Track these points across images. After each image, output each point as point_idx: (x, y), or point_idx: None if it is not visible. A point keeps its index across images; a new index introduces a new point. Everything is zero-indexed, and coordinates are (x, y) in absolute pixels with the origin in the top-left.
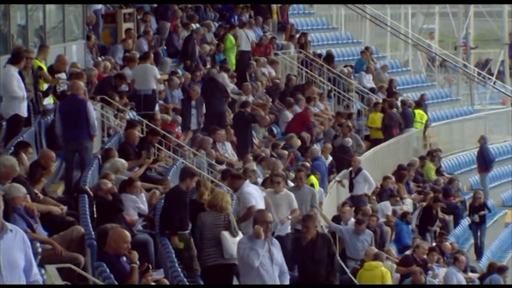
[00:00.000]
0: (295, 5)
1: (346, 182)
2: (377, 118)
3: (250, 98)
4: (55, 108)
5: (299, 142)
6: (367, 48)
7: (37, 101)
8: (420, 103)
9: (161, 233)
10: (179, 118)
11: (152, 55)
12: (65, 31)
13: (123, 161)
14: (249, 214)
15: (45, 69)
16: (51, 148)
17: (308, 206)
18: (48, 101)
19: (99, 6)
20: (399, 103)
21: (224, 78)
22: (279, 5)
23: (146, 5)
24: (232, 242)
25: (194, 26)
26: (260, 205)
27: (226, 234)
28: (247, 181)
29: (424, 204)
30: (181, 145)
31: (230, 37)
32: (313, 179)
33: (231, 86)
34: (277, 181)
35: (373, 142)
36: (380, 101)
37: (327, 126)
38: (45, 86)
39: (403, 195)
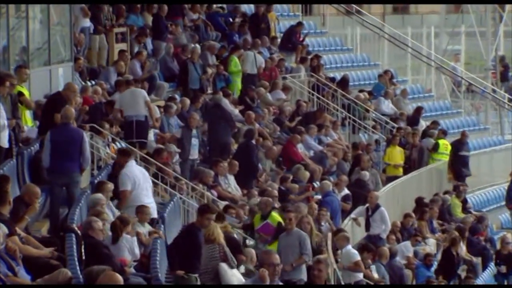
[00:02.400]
0: (305, 24)
1: (362, 220)
2: (395, 152)
3: (256, 127)
4: (39, 138)
5: (307, 175)
6: (385, 72)
7: (17, 130)
8: (444, 132)
9: (171, 272)
10: (173, 147)
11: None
12: (50, 53)
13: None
14: (124, 199)
15: (26, 94)
16: (35, 182)
17: (296, 254)
18: (30, 129)
19: (88, 24)
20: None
21: (227, 104)
22: (287, 24)
23: (141, 24)
24: (231, 274)
25: (194, 45)
26: (141, 189)
27: (224, 266)
28: (133, 161)
29: (445, 245)
30: (179, 178)
31: (235, 60)
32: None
33: (235, 111)
34: (288, 218)
35: (390, 179)
36: (401, 131)
37: (341, 158)
38: (26, 114)
39: (425, 234)
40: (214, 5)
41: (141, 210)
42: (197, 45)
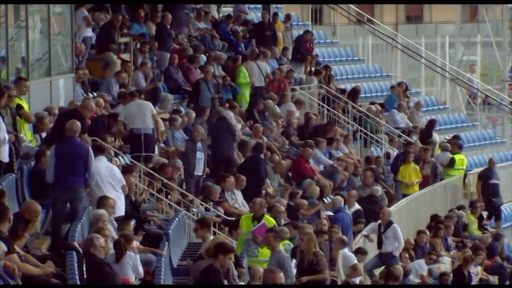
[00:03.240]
0: (315, 34)
1: (374, 236)
2: (409, 170)
3: (264, 140)
4: (38, 152)
5: (317, 190)
6: (398, 83)
7: (16, 144)
8: (460, 146)
9: None
10: (178, 162)
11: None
12: (51, 64)
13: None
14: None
15: (26, 107)
16: (35, 198)
17: None
18: (29, 143)
19: (90, 34)
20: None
21: (231, 118)
22: (296, 33)
23: (145, 32)
24: None
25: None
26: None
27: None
28: (103, 156)
29: (457, 263)
30: (184, 194)
31: (244, 71)
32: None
33: (238, 126)
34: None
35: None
36: (416, 148)
37: (352, 172)
38: (25, 127)
39: (440, 252)
40: (220, 14)
41: (103, 202)
42: (211, 65)
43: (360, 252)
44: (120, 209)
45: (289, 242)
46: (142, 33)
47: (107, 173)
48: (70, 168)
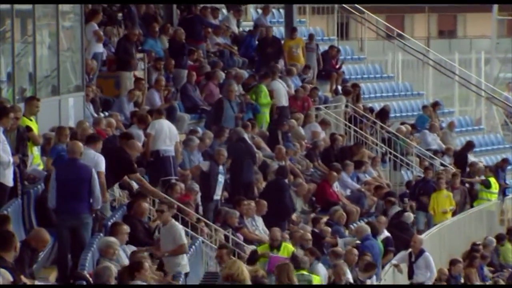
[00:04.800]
0: (341, 49)
1: (404, 266)
2: (441, 198)
3: (287, 163)
4: (47, 176)
5: (345, 217)
6: (431, 103)
7: (21, 167)
8: (497, 169)
9: None
10: (195, 186)
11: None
12: (60, 81)
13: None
14: None
15: (34, 128)
16: (42, 225)
17: None
18: (37, 167)
19: (100, 49)
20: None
21: (253, 139)
22: (322, 49)
23: (159, 49)
24: None
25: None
26: None
27: None
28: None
29: None
30: (201, 220)
31: (265, 90)
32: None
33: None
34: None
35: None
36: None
37: (381, 197)
38: (34, 150)
39: (475, 282)
40: (240, 29)
41: (115, 229)
42: (234, 82)
43: None
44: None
45: (305, 273)
46: (158, 57)
47: None
48: (72, 193)
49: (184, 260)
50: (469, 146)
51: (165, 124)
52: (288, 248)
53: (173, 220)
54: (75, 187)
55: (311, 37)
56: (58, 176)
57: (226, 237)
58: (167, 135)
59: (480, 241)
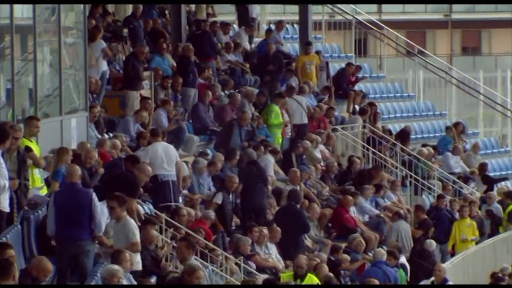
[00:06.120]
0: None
1: None
2: (463, 226)
3: (301, 187)
4: (48, 201)
5: (363, 244)
6: (454, 123)
7: (19, 192)
8: None
9: None
10: (211, 214)
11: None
12: (62, 101)
13: None
14: None
15: (36, 150)
16: (44, 253)
17: None
18: (37, 191)
19: (105, 67)
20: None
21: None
22: (338, 66)
23: (166, 67)
24: None
25: (226, 93)
26: None
27: None
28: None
29: None
30: (212, 247)
31: (276, 109)
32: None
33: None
34: None
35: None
36: (473, 198)
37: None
38: (35, 173)
39: None
40: (252, 45)
41: (118, 256)
42: (247, 105)
43: None
44: None
45: None
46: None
47: None
48: (72, 219)
49: (137, 258)
50: (483, 167)
51: (159, 148)
52: (312, 280)
53: (128, 217)
54: (74, 213)
55: (318, 53)
56: (56, 201)
57: (238, 265)
58: (163, 159)
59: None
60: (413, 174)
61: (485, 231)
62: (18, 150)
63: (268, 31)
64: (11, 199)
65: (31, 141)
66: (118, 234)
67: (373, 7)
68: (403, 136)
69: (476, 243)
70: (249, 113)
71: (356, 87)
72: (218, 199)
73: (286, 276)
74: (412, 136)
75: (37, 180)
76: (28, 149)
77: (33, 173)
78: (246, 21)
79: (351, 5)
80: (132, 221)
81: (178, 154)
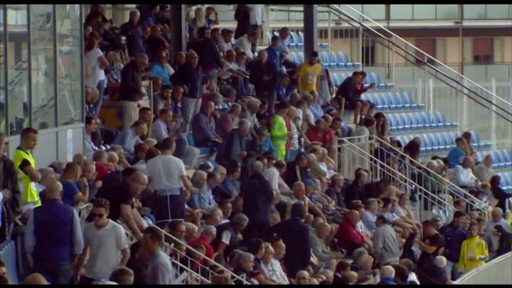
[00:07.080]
0: (366, 76)
1: None
2: (472, 245)
3: (306, 201)
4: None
5: (371, 260)
6: (465, 134)
7: (7, 206)
8: None
9: None
10: (213, 228)
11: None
12: (57, 111)
13: None
14: None
15: (32, 163)
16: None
17: None
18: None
19: (103, 76)
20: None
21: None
22: (345, 75)
23: (166, 76)
24: None
25: (229, 104)
26: None
27: None
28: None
29: None
30: (213, 264)
31: (279, 120)
32: None
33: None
34: None
35: None
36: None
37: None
38: (31, 186)
39: None
40: (255, 54)
41: None
42: (248, 117)
43: None
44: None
45: None
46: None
47: None
48: (52, 236)
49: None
50: (495, 180)
51: (159, 162)
52: None
53: (114, 222)
54: (54, 230)
55: (318, 62)
56: (36, 218)
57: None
58: (161, 174)
59: None
60: (423, 188)
61: (493, 249)
62: (4, 161)
63: (274, 39)
64: (2, 213)
65: (27, 153)
66: (102, 239)
67: (381, 14)
68: (413, 148)
69: (486, 261)
70: (248, 123)
71: (364, 97)
72: (226, 239)
73: None
74: (422, 148)
75: (33, 192)
76: (25, 163)
77: (29, 187)
78: (246, 28)
79: (358, 12)
80: (120, 227)
81: (182, 168)
